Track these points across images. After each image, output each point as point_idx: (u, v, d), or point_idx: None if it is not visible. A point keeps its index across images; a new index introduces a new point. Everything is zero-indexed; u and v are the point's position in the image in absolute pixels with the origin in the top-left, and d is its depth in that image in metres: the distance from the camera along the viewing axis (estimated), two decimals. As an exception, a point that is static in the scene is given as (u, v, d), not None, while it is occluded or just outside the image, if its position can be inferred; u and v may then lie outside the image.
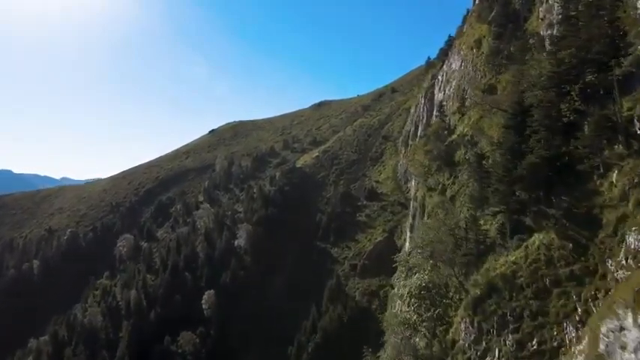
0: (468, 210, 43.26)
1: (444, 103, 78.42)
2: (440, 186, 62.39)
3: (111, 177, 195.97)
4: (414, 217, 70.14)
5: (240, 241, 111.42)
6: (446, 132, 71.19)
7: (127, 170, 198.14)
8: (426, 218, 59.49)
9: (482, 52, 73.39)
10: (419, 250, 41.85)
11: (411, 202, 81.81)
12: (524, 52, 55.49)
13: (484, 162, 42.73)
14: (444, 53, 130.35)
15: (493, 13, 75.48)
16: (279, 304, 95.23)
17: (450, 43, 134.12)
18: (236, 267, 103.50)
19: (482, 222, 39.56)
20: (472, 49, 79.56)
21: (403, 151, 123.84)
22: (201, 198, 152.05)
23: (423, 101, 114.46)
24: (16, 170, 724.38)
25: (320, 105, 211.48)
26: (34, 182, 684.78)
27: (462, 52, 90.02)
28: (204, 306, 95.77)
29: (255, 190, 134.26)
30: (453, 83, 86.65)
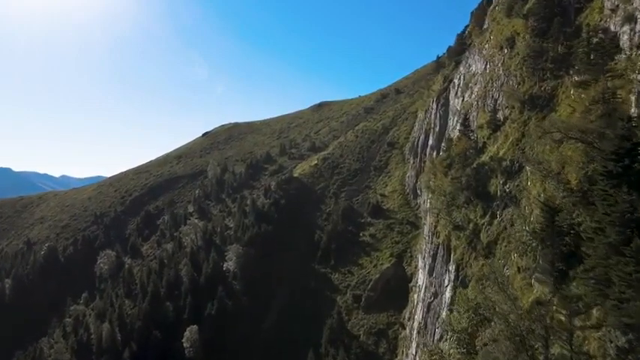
0: (533, 288, 28.89)
1: (469, 115, 63.76)
2: (471, 225, 47.90)
3: (97, 184, 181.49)
4: (433, 258, 55.61)
5: (230, 264, 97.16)
6: (472, 151, 56.57)
7: (114, 176, 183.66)
8: (457, 277, 45.04)
9: (517, 53, 58.63)
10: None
11: (427, 233, 67.28)
12: (593, 55, 40.84)
13: (557, 219, 28.18)
14: (456, 52, 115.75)
15: (529, 5, 60.70)
16: (271, 344, 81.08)
17: (462, 40, 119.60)
18: (223, 296, 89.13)
19: (564, 314, 25.16)
20: (501, 48, 64.79)
21: (412, 162, 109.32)
22: (190, 209, 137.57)
23: (434, 107, 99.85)
24: (16, 168, 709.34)
25: (320, 106, 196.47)
26: (33, 180, 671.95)
27: (484, 52, 75.38)
28: (185, 344, 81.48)
29: (248, 202, 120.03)
30: (476, 89, 72.03)
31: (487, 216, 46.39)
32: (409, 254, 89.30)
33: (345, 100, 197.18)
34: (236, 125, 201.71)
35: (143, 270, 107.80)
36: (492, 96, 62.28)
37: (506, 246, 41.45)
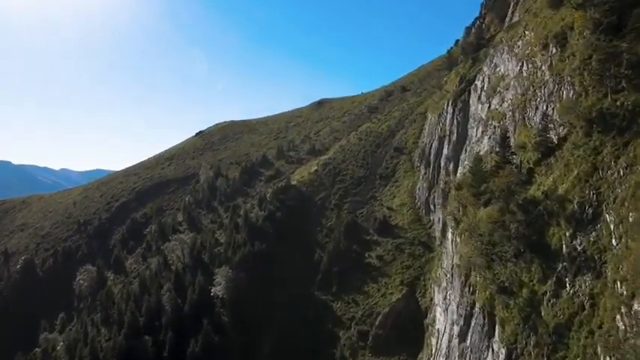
0: None
1: (508, 132, 50.08)
2: (524, 291, 34.74)
3: (84, 186, 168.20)
4: (466, 320, 42.42)
5: (218, 290, 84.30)
6: (514, 179, 42.97)
7: (103, 178, 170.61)
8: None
9: (573, 54, 45.09)
10: None
11: (449, 270, 54.23)
12: None
13: None
14: (473, 48, 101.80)
15: (588, -8, 47.02)
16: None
17: (479, 35, 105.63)
18: (209, 330, 76.26)
19: None
20: (545, 47, 51.18)
21: (423, 172, 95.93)
22: (180, 217, 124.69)
23: (450, 111, 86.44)
24: (15, 162, 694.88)
25: (320, 104, 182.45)
26: (33, 173, 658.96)
27: (516, 50, 61.83)
28: (163, 391, 69.11)
29: (241, 212, 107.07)
30: (508, 95, 58.52)
31: (550, 282, 33.23)
32: (422, 283, 76.43)
33: (346, 97, 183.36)
34: (232, 124, 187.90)
35: (123, 292, 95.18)
36: (536, 107, 48.84)
37: (587, 338, 28.38)
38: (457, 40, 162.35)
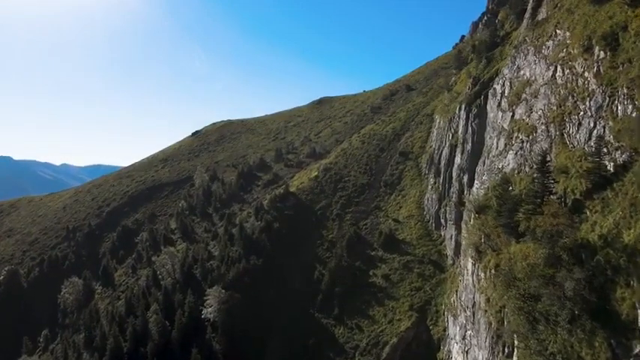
0: None
1: (548, 156, 41.28)
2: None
3: (75, 189, 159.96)
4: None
5: (209, 312, 76.25)
6: (563, 219, 34.49)
7: (95, 180, 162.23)
8: None
9: (629, 61, 36.47)
10: None
11: (468, 306, 45.96)
12: None
13: None
14: (486, 46, 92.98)
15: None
16: None
17: (492, 32, 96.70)
18: (199, 359, 68.44)
19: None
20: (588, 50, 42.50)
21: (432, 181, 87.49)
22: (173, 225, 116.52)
23: (463, 116, 77.88)
24: (16, 157, 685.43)
25: (320, 103, 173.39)
26: (33, 169, 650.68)
27: (545, 52, 53.30)
28: None
29: (236, 221, 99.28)
30: (538, 105, 49.94)
31: (623, 367, 24.97)
32: (434, 308, 68.27)
33: (347, 95, 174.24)
34: (229, 123, 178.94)
35: (108, 310, 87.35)
36: (579, 123, 40.29)
37: None
38: (463, 36, 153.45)
